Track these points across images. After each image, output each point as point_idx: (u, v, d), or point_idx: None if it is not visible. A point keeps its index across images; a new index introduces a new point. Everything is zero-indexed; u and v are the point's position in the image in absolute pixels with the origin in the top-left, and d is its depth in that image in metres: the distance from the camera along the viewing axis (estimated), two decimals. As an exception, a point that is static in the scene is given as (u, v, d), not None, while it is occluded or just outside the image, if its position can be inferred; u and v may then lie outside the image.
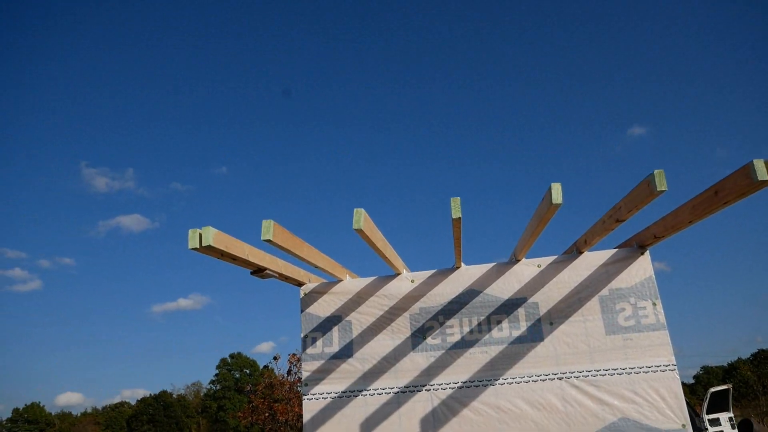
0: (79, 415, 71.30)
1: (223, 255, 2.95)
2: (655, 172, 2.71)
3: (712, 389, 16.06)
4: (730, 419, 15.86)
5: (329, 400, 4.08)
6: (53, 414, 68.76)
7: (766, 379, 25.45)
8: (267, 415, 11.61)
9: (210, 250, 2.77)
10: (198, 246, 2.72)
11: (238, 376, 69.68)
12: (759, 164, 2.60)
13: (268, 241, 2.83)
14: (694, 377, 67.98)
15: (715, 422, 15.52)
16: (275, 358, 12.37)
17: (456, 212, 2.86)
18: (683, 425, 3.73)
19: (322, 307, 4.33)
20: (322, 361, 4.19)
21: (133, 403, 71.74)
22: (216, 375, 70.85)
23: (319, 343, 4.24)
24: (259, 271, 3.48)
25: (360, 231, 2.80)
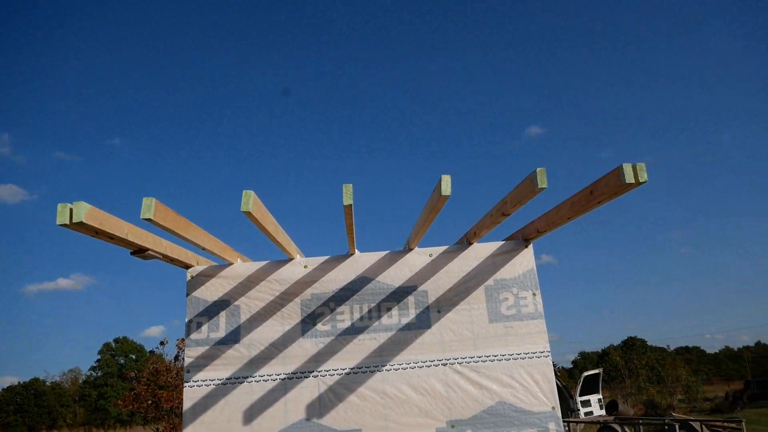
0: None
1: (98, 233, 2.75)
2: (537, 170, 2.84)
3: (585, 373, 17.40)
4: (599, 400, 17.27)
5: (212, 387, 3.96)
6: None
7: (632, 363, 27.84)
8: (150, 402, 11.12)
9: (82, 227, 2.57)
10: (68, 222, 2.51)
11: (123, 362, 66.21)
12: (627, 168, 2.80)
13: (149, 220, 2.66)
14: (573, 362, 73.38)
15: (587, 403, 16.85)
16: (162, 343, 11.87)
17: (347, 199, 2.85)
18: (553, 407, 3.99)
19: (210, 291, 4.18)
20: (207, 347, 4.05)
21: (-2, 391, 66.04)
22: (98, 361, 66.93)
23: (204, 328, 4.09)
24: (140, 251, 3.28)
25: (249, 213, 2.71)
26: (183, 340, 12.03)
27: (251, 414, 3.89)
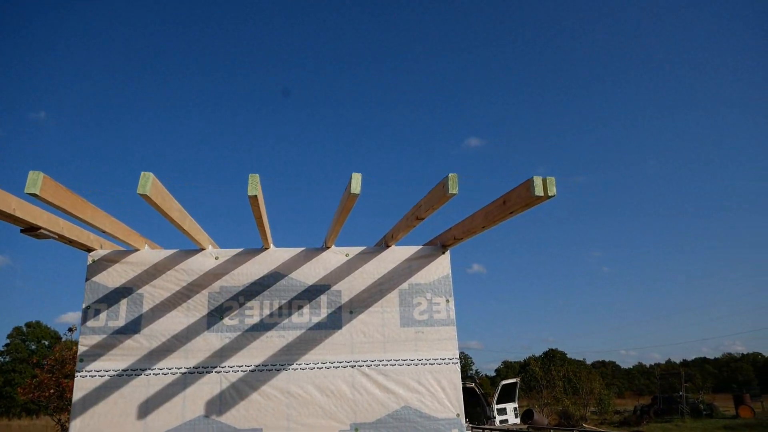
0: None
1: (-21, 206, 2.54)
2: (449, 175, 2.83)
3: (503, 382, 17.82)
4: (515, 409, 17.72)
5: (106, 378, 3.74)
6: None
7: (551, 374, 28.75)
8: (53, 391, 10.51)
9: (-43, 199, 2.36)
10: (-59, 192, 2.30)
11: (34, 347, 62.63)
12: (538, 181, 2.84)
13: (34, 195, 2.47)
14: (496, 371, 75.22)
15: (503, 411, 17.24)
16: (71, 330, 11.24)
17: (252, 190, 2.74)
18: (457, 414, 4.01)
19: (112, 277, 3.96)
20: (104, 336, 3.83)
21: None
22: (6, 345, 63.04)
23: (102, 315, 3.87)
24: (31, 229, 3.07)
25: (146, 197, 2.56)
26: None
27: (147, 408, 3.71)
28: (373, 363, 4.03)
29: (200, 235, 3.90)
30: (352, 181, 2.75)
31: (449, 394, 4.05)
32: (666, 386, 30.10)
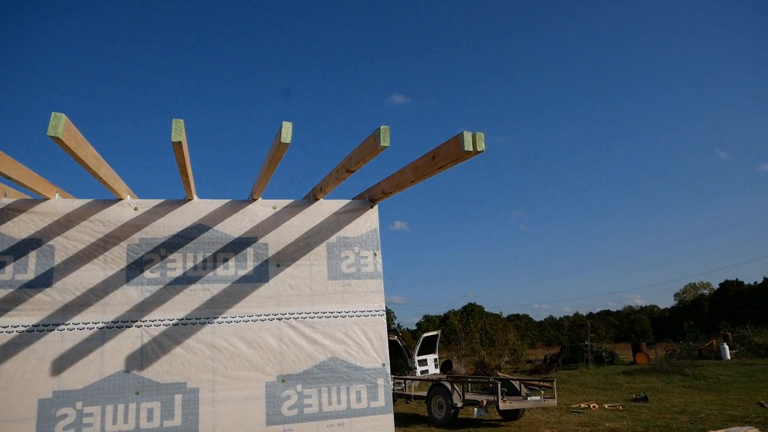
0: None
1: None
2: (381, 128, 2.81)
3: (424, 334, 18.44)
4: (435, 360, 18.44)
5: (15, 334, 3.53)
6: None
7: (469, 327, 30.01)
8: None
9: None
10: None
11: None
12: (467, 136, 2.87)
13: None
14: (417, 324, 77.60)
15: (424, 362, 17.90)
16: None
17: (176, 135, 2.60)
18: (383, 364, 4.10)
19: (19, 228, 3.70)
20: (11, 290, 3.59)
21: None
22: None
23: (9, 268, 3.62)
24: None
25: (58, 140, 2.37)
26: None
27: (61, 365, 3.55)
28: (300, 315, 4.03)
29: (118, 185, 3.69)
30: (283, 129, 2.67)
31: (375, 345, 4.13)
32: (573, 337, 32.20)
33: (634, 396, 16.36)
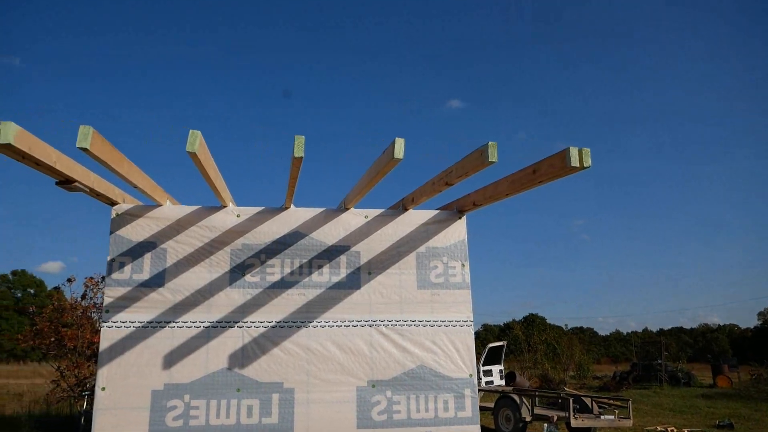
0: None
1: (24, 158, 2.55)
2: (489, 144, 2.87)
3: (490, 345, 18.21)
4: (501, 371, 18.18)
5: (132, 329, 3.82)
6: None
7: (532, 339, 29.40)
8: (53, 339, 10.63)
9: (8, 149, 2.37)
10: (-7, 142, 2.31)
11: (20, 295, 62.60)
12: (574, 151, 2.89)
13: (84, 150, 2.49)
14: (476, 333, 76.65)
15: (488, 373, 17.68)
16: (69, 280, 11.29)
17: (299, 151, 2.77)
18: (470, 374, 4.15)
19: (136, 231, 4.00)
20: (129, 288, 3.89)
21: None
22: (-8, 292, 62.94)
23: (127, 268, 3.92)
24: (66, 182, 3.08)
25: (193, 155, 2.59)
26: (92, 278, 11.52)
27: (171, 359, 3.81)
28: (390, 323, 4.14)
29: (225, 193, 3.93)
30: (395, 145, 2.79)
31: (463, 355, 4.19)
32: (644, 354, 30.95)
33: (717, 422, 15.48)
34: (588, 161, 2.89)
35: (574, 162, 2.86)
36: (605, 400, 12.27)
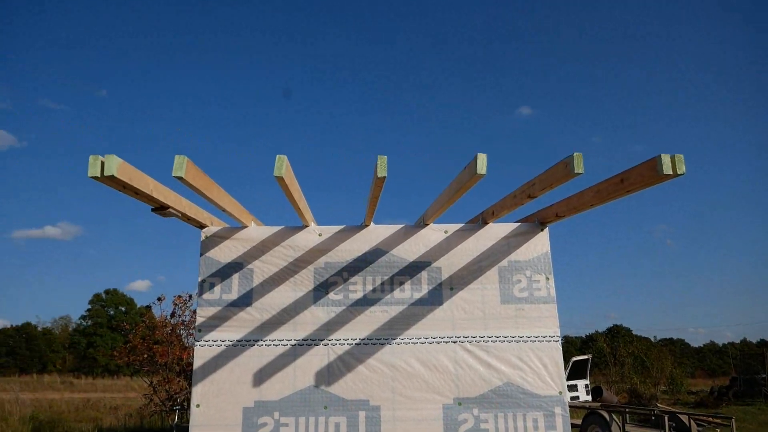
0: (-74, 341, 64.98)
1: (125, 187, 2.71)
2: (574, 155, 2.79)
3: (574, 358, 17.54)
4: (586, 386, 17.47)
5: (223, 347, 3.96)
6: None
7: (617, 351, 28.14)
8: (146, 356, 11.22)
9: (112, 180, 2.52)
10: (99, 175, 2.46)
11: (112, 313, 66.62)
12: (665, 159, 2.76)
13: (179, 178, 2.61)
14: (556, 346, 74.21)
15: (573, 388, 17.04)
16: (159, 299, 11.89)
17: (381, 171, 2.79)
18: (560, 392, 4.01)
19: (224, 253, 4.15)
20: (219, 308, 4.04)
21: (-11, 333, 66.61)
22: (88, 310, 67.38)
23: (217, 289, 4.07)
24: (161, 208, 3.24)
25: (280, 179, 2.66)
26: (180, 297, 12.09)
27: (261, 377, 3.91)
28: (474, 339, 4.07)
29: (307, 213, 4.01)
30: (478, 161, 2.75)
31: (551, 372, 4.05)
32: (744, 367, 28.90)
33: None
34: (682, 168, 2.74)
35: (667, 169, 2.73)
36: (704, 418, 11.49)
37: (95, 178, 2.47)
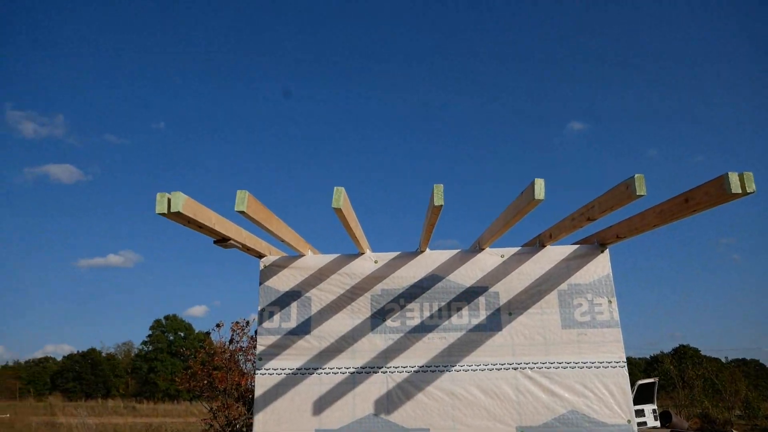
0: (-1, 367, 68.52)
1: (189, 222, 2.81)
2: (636, 176, 2.72)
3: (640, 381, 16.86)
4: (654, 411, 16.74)
5: (283, 376, 4.00)
6: (-30, 364, 65.81)
7: (685, 373, 26.85)
8: (206, 382, 11.45)
9: (178, 216, 2.62)
10: (166, 211, 2.57)
11: (171, 338, 68.49)
12: (733, 177, 2.66)
13: (242, 212, 2.69)
14: (619, 368, 71.34)
15: (640, 413, 16.34)
16: (218, 326, 12.16)
17: (439, 200, 2.80)
18: (628, 420, 3.86)
19: (282, 282, 4.22)
20: (279, 336, 4.10)
21: (57, 359, 69.68)
22: (149, 336, 69.52)
23: (276, 317, 4.14)
24: (222, 240, 3.34)
25: (338, 210, 2.71)
26: (238, 323, 12.32)
27: (320, 405, 3.93)
28: (536, 365, 3.98)
29: (363, 240, 4.05)
30: (535, 186, 2.73)
31: (618, 399, 3.90)
32: (825, 389, 27.04)
33: None
34: (752, 186, 2.63)
35: (735, 188, 2.63)
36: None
37: (162, 214, 2.57)
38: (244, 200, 2.65)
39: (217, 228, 3.05)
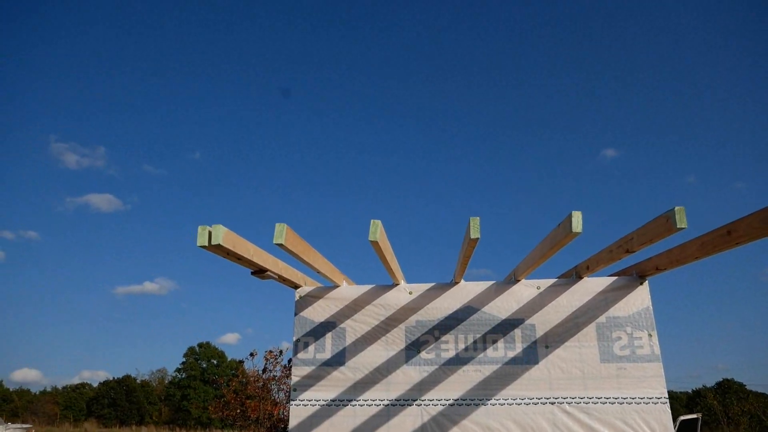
0: (37, 393, 69.84)
1: (228, 254, 2.87)
2: (676, 209, 2.69)
3: (682, 417, 16.24)
4: (697, 448, 16.05)
5: (318, 407, 4.00)
6: (11, 390, 67.25)
7: (730, 409, 25.82)
8: (239, 411, 11.50)
9: (218, 249, 2.69)
10: (207, 244, 2.64)
11: (204, 366, 68.93)
12: (777, 209, 2.60)
13: (280, 245, 2.75)
14: (659, 402, 68.66)
15: (682, 450, 15.67)
16: (252, 354, 12.25)
17: (475, 233, 2.81)
18: (671, 459, 3.73)
19: (317, 312, 4.25)
20: (313, 367, 4.11)
21: (93, 385, 70.67)
22: (183, 363, 70.10)
23: (311, 348, 4.16)
24: (260, 271, 3.40)
25: (375, 243, 2.74)
26: (271, 352, 12.40)
27: (354, 438, 3.90)
28: (573, 400, 3.89)
29: (398, 271, 4.06)
30: (573, 219, 2.72)
31: (661, 437, 3.78)
32: None
33: None
34: (799, 218, 2.57)
35: (781, 221, 2.57)
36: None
37: (204, 247, 2.64)
38: (282, 233, 2.71)
39: (255, 260, 3.11)
